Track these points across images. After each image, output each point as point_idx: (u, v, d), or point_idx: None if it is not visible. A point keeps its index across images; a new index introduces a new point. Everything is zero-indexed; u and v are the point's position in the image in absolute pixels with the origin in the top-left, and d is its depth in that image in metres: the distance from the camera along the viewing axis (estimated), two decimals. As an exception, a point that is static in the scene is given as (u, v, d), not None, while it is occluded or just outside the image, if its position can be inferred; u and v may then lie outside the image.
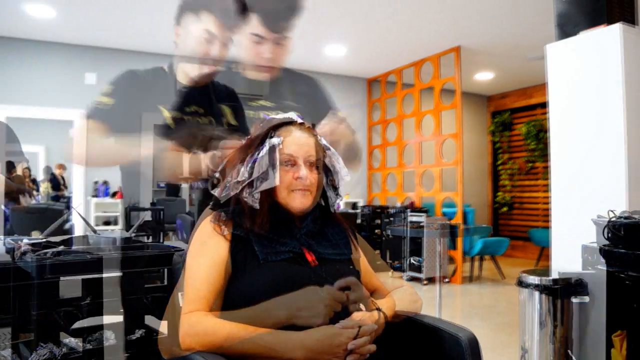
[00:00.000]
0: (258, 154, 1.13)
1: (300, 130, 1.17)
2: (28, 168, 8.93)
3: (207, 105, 1.59)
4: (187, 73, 1.53)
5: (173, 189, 6.87)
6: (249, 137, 1.20)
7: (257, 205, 1.11)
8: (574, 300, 2.42)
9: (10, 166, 8.17)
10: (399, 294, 1.26)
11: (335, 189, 1.24)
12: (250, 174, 1.12)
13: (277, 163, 1.11)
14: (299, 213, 1.15)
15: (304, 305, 0.96)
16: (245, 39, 1.49)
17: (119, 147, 1.43)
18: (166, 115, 1.52)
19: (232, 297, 1.06)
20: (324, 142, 1.23)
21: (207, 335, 0.98)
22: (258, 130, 1.17)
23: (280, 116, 1.20)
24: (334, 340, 0.93)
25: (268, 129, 1.16)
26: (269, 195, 1.13)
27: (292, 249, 1.11)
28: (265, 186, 1.10)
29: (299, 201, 1.13)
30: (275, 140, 1.12)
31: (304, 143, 1.15)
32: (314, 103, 1.64)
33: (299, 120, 1.20)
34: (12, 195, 1.36)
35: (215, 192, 1.19)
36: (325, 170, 1.22)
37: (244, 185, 1.12)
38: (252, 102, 1.55)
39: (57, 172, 8.66)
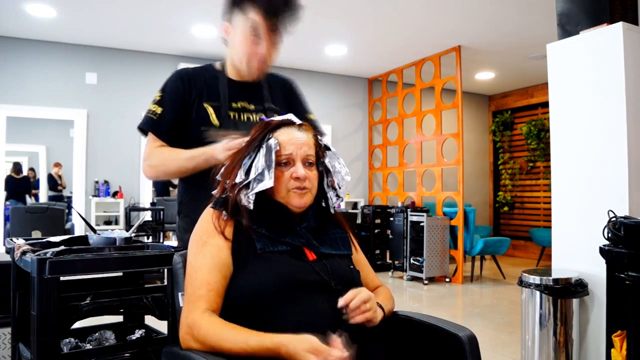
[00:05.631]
0: (255, 156, 1.14)
1: (298, 131, 1.18)
2: (32, 169, 8.97)
3: (258, 102, 1.58)
4: (237, 69, 1.54)
5: (163, 189, 6.85)
6: (247, 139, 1.21)
7: (251, 206, 1.11)
8: (575, 300, 2.42)
9: (17, 167, 8.19)
10: (384, 292, 1.27)
11: (335, 189, 1.24)
12: (247, 176, 1.13)
13: (273, 165, 1.11)
14: (298, 211, 1.15)
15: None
16: (239, 36, 1.48)
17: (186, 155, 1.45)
18: (211, 114, 1.51)
19: (232, 291, 1.06)
20: (324, 141, 1.24)
21: (207, 335, 0.98)
22: (256, 132, 1.18)
23: (278, 118, 1.21)
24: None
25: (265, 130, 1.17)
26: (268, 194, 1.13)
27: (291, 241, 1.12)
28: (260, 187, 1.11)
29: (297, 200, 1.13)
30: (271, 142, 1.13)
31: (301, 143, 1.16)
32: (290, 105, 1.63)
33: (297, 122, 1.20)
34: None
35: (215, 193, 1.20)
36: (326, 171, 1.22)
37: (240, 187, 1.13)
38: (234, 102, 1.56)
39: (53, 171, 8.68)
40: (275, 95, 1.62)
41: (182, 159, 1.45)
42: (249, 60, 1.49)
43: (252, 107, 1.57)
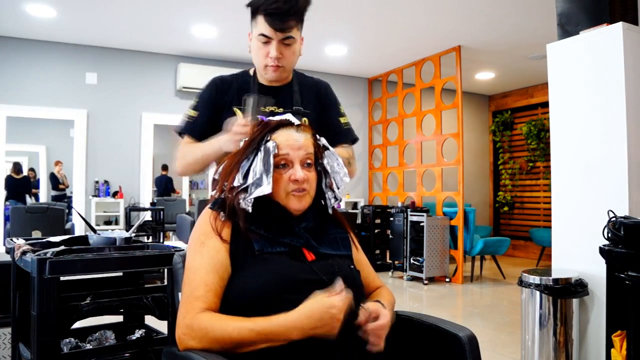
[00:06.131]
0: (253, 159, 1.13)
1: (297, 132, 1.17)
2: (32, 169, 8.97)
3: (287, 105, 1.60)
4: (259, 72, 1.60)
5: (165, 189, 6.85)
6: (245, 140, 1.20)
7: (250, 210, 1.11)
8: (575, 300, 2.42)
9: (17, 167, 8.19)
10: (385, 294, 1.27)
11: (333, 190, 1.23)
12: (245, 180, 1.12)
13: (271, 169, 1.11)
14: (296, 213, 1.15)
15: (318, 324, 0.96)
16: (254, 41, 1.53)
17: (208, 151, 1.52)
18: (239, 115, 1.55)
19: (229, 293, 1.06)
20: (323, 141, 1.23)
21: (206, 332, 0.98)
22: (254, 133, 1.17)
23: (277, 118, 1.20)
24: (325, 314, 0.95)
25: (264, 132, 1.16)
26: (266, 195, 1.13)
27: (290, 242, 1.12)
28: (258, 193, 1.10)
29: (295, 204, 1.13)
30: (270, 145, 1.12)
31: (300, 144, 1.15)
32: (322, 108, 1.65)
33: (296, 122, 1.19)
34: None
35: (213, 194, 1.20)
36: (324, 171, 1.22)
37: (238, 190, 1.12)
38: (264, 108, 1.58)
39: (56, 169, 8.68)
40: (307, 98, 1.64)
41: (197, 153, 1.53)
42: (264, 65, 1.54)
43: (280, 110, 1.59)
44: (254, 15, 1.51)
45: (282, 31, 1.48)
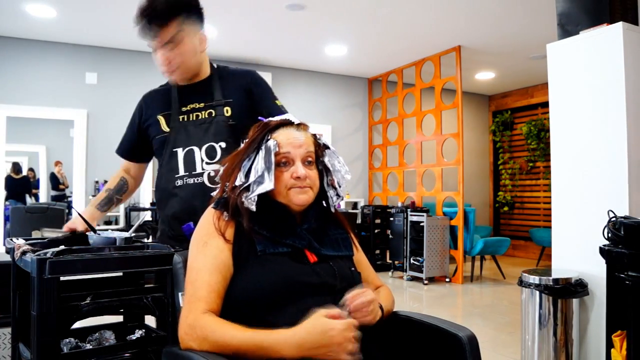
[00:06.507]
0: (254, 158, 1.14)
1: (297, 130, 1.18)
2: (32, 169, 8.97)
3: (208, 99, 1.63)
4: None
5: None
6: (246, 140, 1.21)
7: (253, 208, 1.11)
8: (575, 300, 2.42)
9: (16, 167, 8.19)
10: (384, 293, 1.28)
11: (335, 188, 1.24)
12: (247, 178, 1.13)
13: (273, 167, 1.11)
14: (299, 209, 1.15)
15: (315, 343, 0.93)
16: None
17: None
18: (162, 122, 1.63)
19: (232, 293, 1.06)
20: (322, 140, 1.24)
21: (206, 336, 0.98)
22: (255, 133, 1.18)
23: (277, 118, 1.21)
24: (326, 335, 0.92)
25: (264, 131, 1.16)
26: (268, 195, 1.13)
27: (292, 243, 1.12)
28: (260, 190, 1.11)
29: (298, 197, 1.13)
30: (270, 144, 1.13)
31: (300, 142, 1.16)
32: (250, 94, 1.65)
33: (296, 121, 1.20)
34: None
35: (214, 194, 1.20)
36: (325, 170, 1.22)
37: (241, 189, 1.13)
38: (184, 106, 1.62)
39: (56, 169, 8.68)
40: (230, 90, 1.64)
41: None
42: (162, 70, 1.59)
43: (201, 105, 1.63)
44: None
45: (154, 39, 1.52)
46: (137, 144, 1.72)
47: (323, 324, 0.93)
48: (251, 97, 1.64)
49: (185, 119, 1.61)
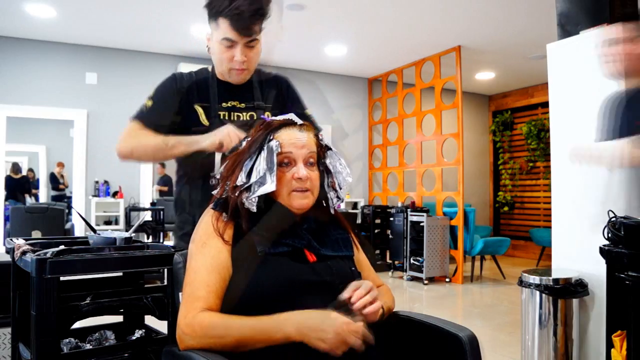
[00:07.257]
0: (256, 158, 1.13)
1: (299, 131, 1.17)
2: (31, 169, 8.98)
3: (248, 100, 1.60)
4: (222, 73, 1.58)
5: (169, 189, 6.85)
6: (247, 139, 1.20)
7: (254, 209, 1.11)
8: (575, 300, 2.42)
9: (16, 167, 8.20)
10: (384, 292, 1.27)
11: (335, 190, 1.23)
12: (248, 178, 1.12)
13: (275, 167, 1.11)
14: (299, 212, 1.15)
15: (315, 326, 0.95)
16: (216, 45, 1.51)
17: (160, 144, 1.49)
18: (201, 114, 1.55)
19: (231, 294, 1.06)
20: (325, 141, 1.23)
21: (206, 332, 0.98)
22: (257, 132, 1.17)
23: (280, 117, 1.20)
24: (328, 319, 0.95)
25: (267, 131, 1.16)
26: (268, 195, 1.13)
27: (292, 243, 1.12)
28: (262, 191, 1.10)
29: (299, 201, 1.13)
30: (273, 144, 1.12)
31: (303, 144, 1.15)
32: (284, 102, 1.64)
33: (298, 122, 1.19)
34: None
35: (215, 193, 1.19)
36: (326, 171, 1.22)
37: (242, 189, 1.12)
38: (224, 102, 1.58)
39: (56, 170, 8.69)
40: (267, 94, 1.63)
41: (159, 141, 1.46)
42: (228, 68, 1.53)
43: (242, 105, 1.59)
44: (214, 17, 1.48)
45: (247, 35, 1.47)
46: (166, 117, 1.56)
47: (329, 312, 0.97)
48: (283, 104, 1.64)
49: (226, 117, 1.57)
